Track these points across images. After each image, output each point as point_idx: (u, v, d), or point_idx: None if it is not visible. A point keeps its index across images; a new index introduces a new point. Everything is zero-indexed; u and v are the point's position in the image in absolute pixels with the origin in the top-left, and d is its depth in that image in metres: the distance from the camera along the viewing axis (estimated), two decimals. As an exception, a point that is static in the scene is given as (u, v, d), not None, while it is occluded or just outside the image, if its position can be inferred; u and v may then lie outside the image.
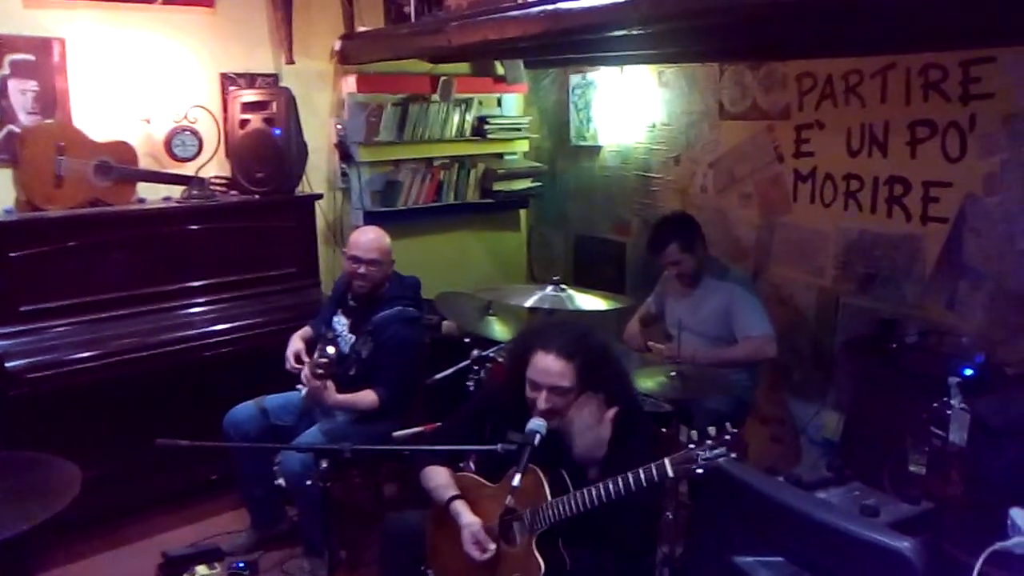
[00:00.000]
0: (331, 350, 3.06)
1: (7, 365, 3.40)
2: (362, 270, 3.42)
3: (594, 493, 2.21)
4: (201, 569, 3.37)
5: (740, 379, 3.52)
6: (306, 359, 3.39)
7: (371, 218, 4.69)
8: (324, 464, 2.32)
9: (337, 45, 4.49)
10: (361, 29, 4.45)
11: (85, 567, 3.52)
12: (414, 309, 3.50)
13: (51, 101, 3.77)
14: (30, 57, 3.70)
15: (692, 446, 2.11)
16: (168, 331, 3.84)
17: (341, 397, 3.26)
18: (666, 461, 2.13)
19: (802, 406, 4.04)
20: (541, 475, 2.33)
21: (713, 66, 4.26)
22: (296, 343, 3.56)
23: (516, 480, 2.20)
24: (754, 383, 3.71)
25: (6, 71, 3.65)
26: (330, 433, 3.27)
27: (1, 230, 3.54)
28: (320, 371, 3.08)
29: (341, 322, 3.56)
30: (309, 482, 2.43)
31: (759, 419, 4.16)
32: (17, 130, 3.68)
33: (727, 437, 2.08)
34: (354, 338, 3.47)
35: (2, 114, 3.66)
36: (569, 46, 3.71)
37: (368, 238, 3.47)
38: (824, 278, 3.88)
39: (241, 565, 3.41)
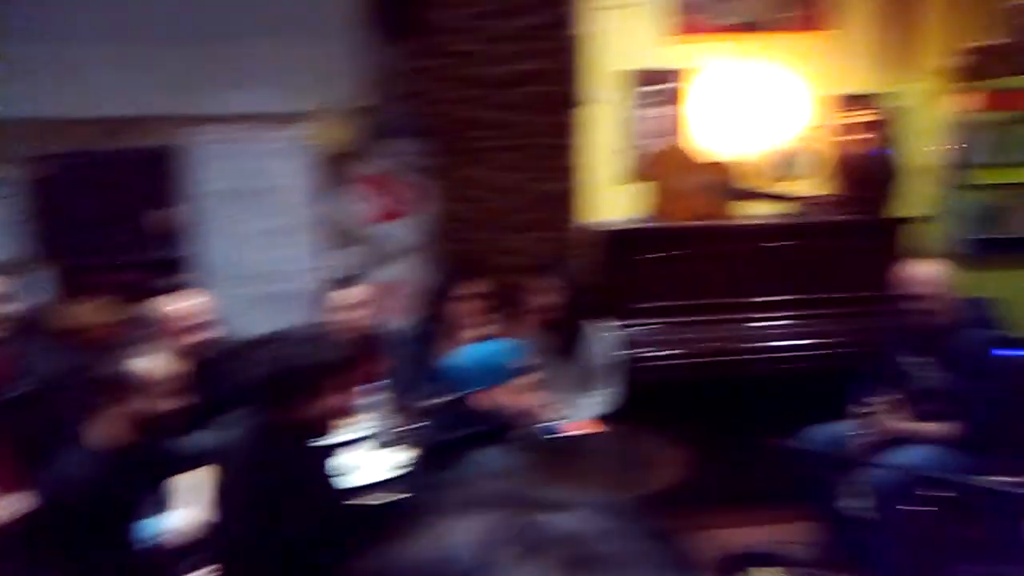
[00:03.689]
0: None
1: (618, 353, 3.92)
2: (914, 305, 3.33)
3: None
4: (757, 572, 3.48)
5: None
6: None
7: (972, 245, 4.36)
8: (925, 493, 2.26)
9: (956, 61, 4.27)
10: (983, 43, 4.17)
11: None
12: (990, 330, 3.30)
13: (680, 125, 4.28)
14: (668, 86, 4.25)
15: None
16: (750, 340, 4.07)
17: (914, 427, 3.17)
18: None
19: None
20: None
21: None
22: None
23: None
24: None
25: (648, 99, 4.24)
26: (916, 457, 3.16)
27: (630, 235, 4.12)
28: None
29: (912, 360, 3.41)
30: (904, 506, 2.38)
31: None
32: (652, 150, 4.25)
33: None
34: (934, 373, 3.31)
35: (641, 136, 4.26)
36: None
37: (912, 272, 3.40)
38: None
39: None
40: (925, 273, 3.40)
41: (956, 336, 3.29)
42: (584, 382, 3.66)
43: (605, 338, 3.69)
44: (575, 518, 0.51)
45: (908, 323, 3.48)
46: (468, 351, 3.02)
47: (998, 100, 4.35)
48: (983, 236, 4.46)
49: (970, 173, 4.41)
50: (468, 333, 3.44)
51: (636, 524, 0.53)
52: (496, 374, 2.81)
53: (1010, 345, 3.53)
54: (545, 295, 3.63)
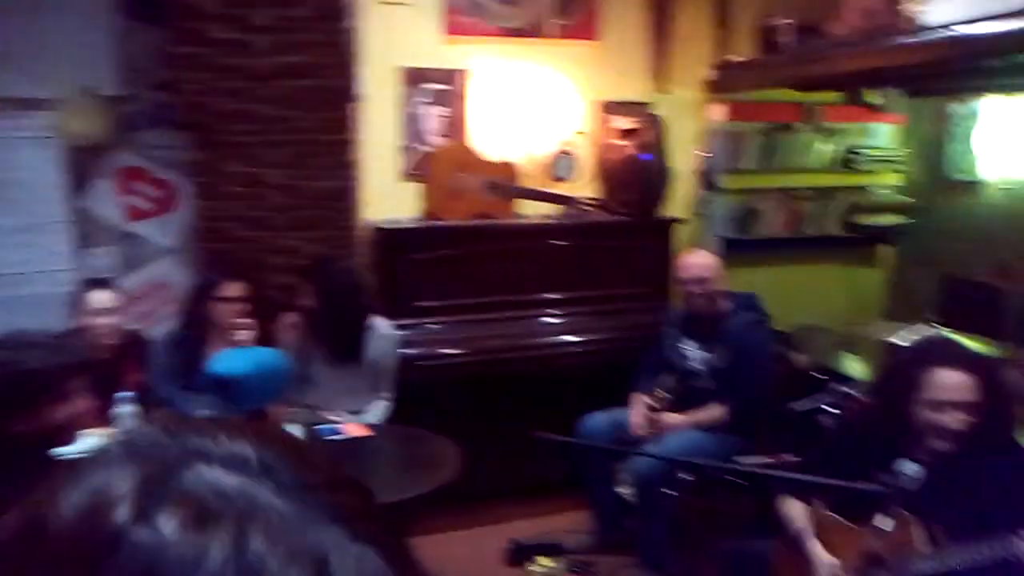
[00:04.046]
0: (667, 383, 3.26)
1: (398, 352, 3.90)
2: (692, 288, 3.57)
3: (978, 551, 2.06)
4: (544, 560, 3.60)
5: None
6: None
7: (728, 245, 4.73)
8: (685, 476, 2.41)
9: (710, 74, 4.60)
10: (733, 59, 4.53)
11: (438, 541, 3.77)
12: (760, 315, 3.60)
13: (455, 125, 4.29)
14: (442, 87, 4.25)
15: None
16: (530, 336, 4.18)
17: (685, 419, 3.40)
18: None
19: None
20: (915, 522, 2.21)
21: None
22: (643, 411, 3.58)
23: (885, 524, 2.12)
24: None
25: (423, 98, 4.22)
26: (684, 443, 3.36)
27: (405, 234, 4.11)
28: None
29: (690, 346, 3.66)
30: (664, 491, 2.53)
31: None
32: (427, 150, 4.25)
33: None
34: (708, 355, 3.57)
35: (417, 136, 4.24)
36: (962, 73, 3.49)
37: (692, 259, 3.68)
38: None
39: (579, 565, 3.58)
40: (698, 261, 3.66)
41: (726, 322, 3.54)
42: (365, 383, 3.59)
43: (386, 338, 3.64)
44: (211, 470, 0.50)
45: (682, 311, 3.72)
46: (230, 356, 2.86)
47: (746, 111, 4.74)
48: (738, 236, 4.85)
49: (725, 178, 4.77)
50: (231, 337, 3.28)
51: (281, 478, 0.51)
52: (260, 379, 2.68)
53: (774, 335, 3.82)
54: (315, 296, 3.51)
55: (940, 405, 2.22)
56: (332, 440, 3.21)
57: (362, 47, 3.96)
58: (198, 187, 3.79)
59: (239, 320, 3.31)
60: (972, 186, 4.70)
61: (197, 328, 3.35)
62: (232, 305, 3.34)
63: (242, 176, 3.69)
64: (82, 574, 0.46)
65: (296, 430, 2.97)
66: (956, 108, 4.71)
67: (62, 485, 0.49)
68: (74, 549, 0.46)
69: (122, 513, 0.47)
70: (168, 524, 0.46)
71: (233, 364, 2.78)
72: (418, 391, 3.78)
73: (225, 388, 2.68)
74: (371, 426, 3.39)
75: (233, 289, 3.36)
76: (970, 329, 3.87)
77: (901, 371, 2.40)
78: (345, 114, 3.81)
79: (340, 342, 3.49)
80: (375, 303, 3.81)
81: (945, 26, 2.77)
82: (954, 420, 2.20)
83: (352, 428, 3.33)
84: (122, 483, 0.48)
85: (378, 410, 3.58)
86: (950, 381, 2.22)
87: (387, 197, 4.22)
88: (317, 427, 3.27)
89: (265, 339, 3.39)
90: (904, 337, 3.16)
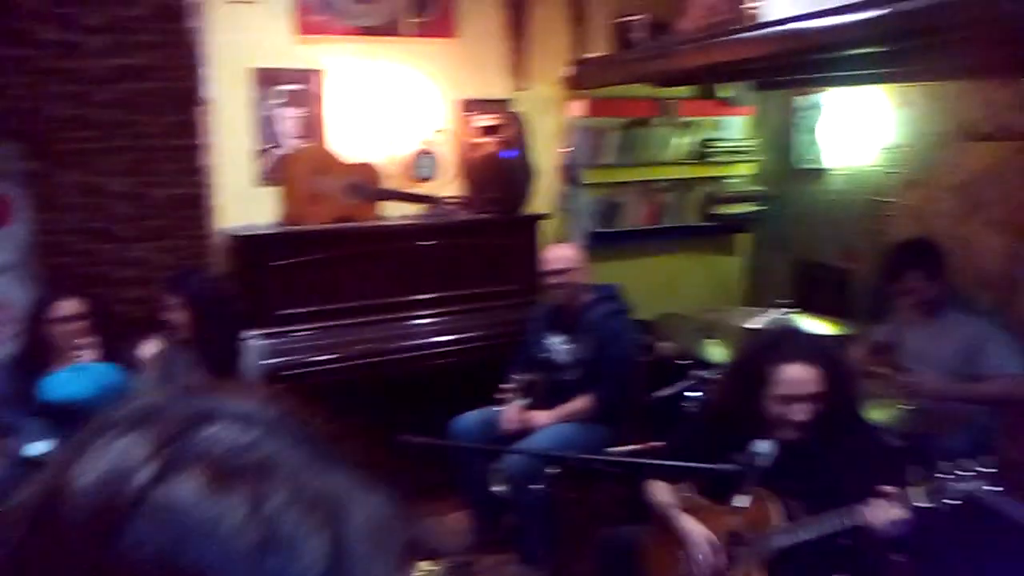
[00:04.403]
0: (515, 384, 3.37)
1: (263, 364, 3.77)
2: (554, 280, 3.62)
3: (829, 521, 2.16)
4: (423, 564, 3.56)
5: (979, 418, 3.28)
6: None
7: (592, 238, 4.80)
8: (554, 470, 2.42)
9: (568, 70, 4.66)
10: (590, 55, 4.59)
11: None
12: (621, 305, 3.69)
13: (311, 127, 4.18)
14: (296, 87, 4.13)
15: (944, 475, 2.02)
16: (400, 339, 4.12)
17: (552, 415, 3.43)
18: (914, 490, 2.05)
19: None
20: (771, 499, 2.29)
21: (958, 83, 4.02)
22: (513, 408, 3.61)
23: (742, 502, 2.19)
24: (994, 424, 3.44)
25: (276, 100, 4.09)
26: (553, 438, 3.38)
27: (264, 241, 3.98)
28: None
29: (555, 340, 3.70)
30: (535, 486, 2.54)
31: (1002, 464, 3.84)
32: (283, 153, 4.12)
33: (983, 470, 1.97)
34: (572, 347, 3.61)
35: (271, 138, 4.11)
36: (802, 67, 3.65)
37: (555, 251, 3.74)
38: (1085, 313, 3.54)
39: (460, 566, 3.57)
40: (560, 254, 3.70)
41: (589, 313, 3.58)
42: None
43: (251, 349, 3.49)
44: (223, 429, 0.52)
45: (547, 306, 3.74)
46: (70, 378, 2.69)
47: (605, 107, 4.82)
48: (602, 230, 4.93)
49: (587, 173, 4.85)
50: (73, 355, 3.07)
51: (291, 431, 0.55)
52: (104, 401, 2.52)
53: (638, 325, 3.90)
54: (182, 309, 3.32)
55: (787, 399, 2.32)
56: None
57: (209, 48, 3.81)
58: (33, 199, 3.55)
59: (78, 339, 3.10)
60: (818, 174, 4.94)
61: (36, 350, 3.12)
62: (69, 324, 3.11)
63: (81, 186, 3.48)
64: (105, 538, 0.47)
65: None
66: (801, 100, 4.95)
67: (75, 456, 0.51)
68: (96, 515, 0.48)
69: (142, 476, 0.48)
70: (188, 484, 0.48)
71: (72, 387, 2.60)
72: (287, 401, 3.67)
73: (65, 413, 2.51)
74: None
75: (68, 307, 3.13)
76: (822, 311, 4.06)
77: (749, 365, 2.49)
78: (193, 118, 3.66)
79: (215, 356, 3.27)
80: (244, 313, 3.67)
81: (783, 21, 2.88)
82: (801, 412, 2.30)
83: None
84: (139, 448, 0.50)
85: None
86: (795, 376, 2.32)
87: (243, 203, 4.07)
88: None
89: (115, 356, 3.19)
90: (757, 322, 3.27)
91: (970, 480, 1.97)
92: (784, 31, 2.85)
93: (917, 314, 3.53)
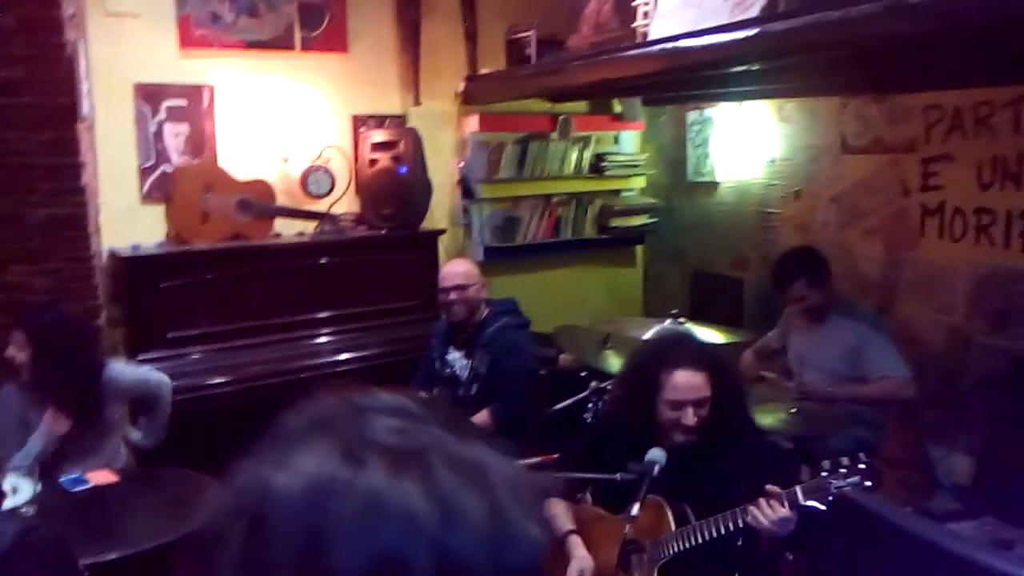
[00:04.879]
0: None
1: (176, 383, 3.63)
2: (452, 296, 3.60)
3: (719, 524, 2.21)
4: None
5: (866, 419, 3.44)
6: None
7: (490, 253, 4.83)
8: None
9: (461, 86, 4.67)
10: (484, 71, 4.63)
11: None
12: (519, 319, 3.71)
13: (200, 143, 4.07)
14: (183, 103, 4.02)
15: (825, 474, 2.09)
16: (298, 359, 4.05)
17: None
18: (798, 489, 2.12)
19: (931, 448, 3.89)
20: (664, 505, 2.33)
21: (835, 100, 4.21)
22: None
23: (635, 510, 2.21)
24: (880, 423, 3.61)
25: (162, 116, 3.97)
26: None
27: (153, 262, 3.86)
28: None
29: (455, 356, 3.70)
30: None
31: (886, 461, 4.01)
32: (170, 170, 4.00)
33: (861, 466, 2.05)
34: (470, 362, 3.61)
35: (158, 156, 3.98)
36: (688, 83, 3.75)
37: (452, 267, 3.73)
38: (953, 315, 3.74)
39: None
40: (456, 269, 3.69)
41: (486, 328, 3.59)
42: (108, 439, 3.25)
43: (128, 381, 3.32)
44: (389, 420, 0.59)
45: (446, 321, 3.73)
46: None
47: (500, 122, 4.86)
48: (500, 244, 4.96)
49: (484, 187, 4.87)
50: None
51: (436, 416, 0.62)
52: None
53: (538, 338, 3.93)
54: (25, 346, 3.01)
55: (678, 404, 2.38)
56: (77, 492, 2.92)
57: (90, 62, 3.68)
58: None
59: None
60: (710, 187, 5.09)
61: None
62: None
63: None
64: (320, 536, 0.54)
65: (26, 485, 2.67)
66: (693, 115, 5.09)
67: (268, 466, 0.59)
68: (306, 513, 0.55)
69: (340, 475, 0.55)
70: (376, 471, 0.55)
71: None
72: (180, 427, 3.56)
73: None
74: (121, 471, 3.12)
75: None
76: (716, 319, 4.18)
77: (641, 372, 2.54)
78: (72, 134, 3.49)
79: (64, 400, 3.02)
80: (133, 336, 3.54)
81: (669, 39, 2.96)
82: (691, 416, 2.36)
83: (98, 476, 3.05)
84: (326, 450, 0.58)
85: (128, 453, 3.31)
86: (684, 381, 2.38)
87: (128, 222, 3.94)
88: (59, 480, 2.96)
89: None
90: (651, 332, 3.34)
91: (850, 477, 2.05)
92: (669, 49, 2.92)
93: (804, 320, 3.68)
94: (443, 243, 4.66)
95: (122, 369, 3.30)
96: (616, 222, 5.29)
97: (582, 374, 3.83)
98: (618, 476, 2.28)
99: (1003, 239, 3.50)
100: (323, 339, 4.20)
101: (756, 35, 2.49)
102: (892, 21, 2.06)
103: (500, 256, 4.88)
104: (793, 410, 3.10)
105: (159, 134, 3.98)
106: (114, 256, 3.87)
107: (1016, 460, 3.09)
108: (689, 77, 3.37)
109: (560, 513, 2.55)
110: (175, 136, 4.01)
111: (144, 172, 3.98)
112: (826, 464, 2.10)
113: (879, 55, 2.58)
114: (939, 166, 3.75)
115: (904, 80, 3.54)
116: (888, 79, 3.55)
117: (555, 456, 3.12)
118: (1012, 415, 3.24)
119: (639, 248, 5.68)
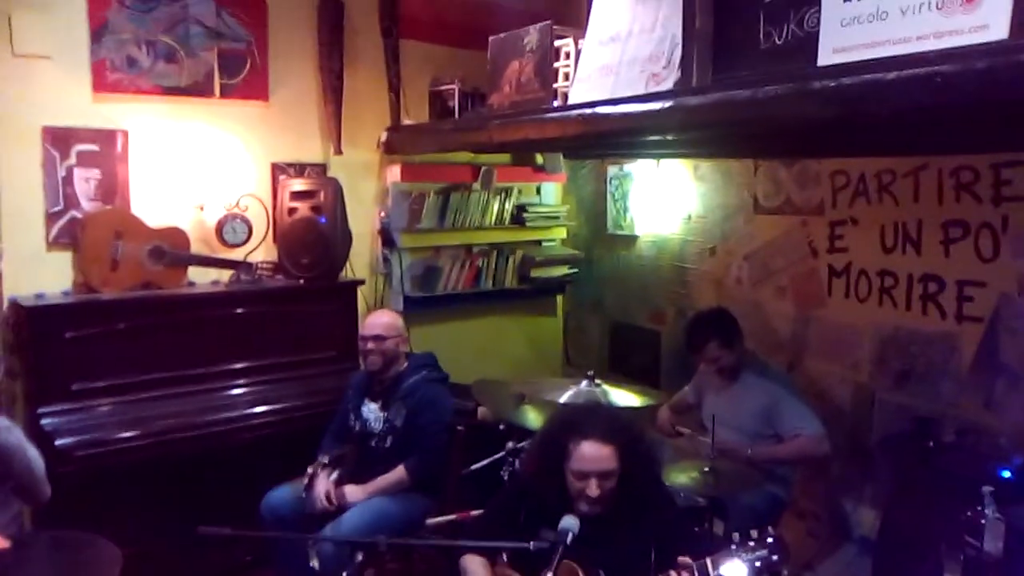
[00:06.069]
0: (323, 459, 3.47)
1: (57, 443, 3.49)
2: (371, 346, 3.61)
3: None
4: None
5: (778, 475, 3.51)
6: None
7: (410, 303, 4.81)
8: (360, 557, 2.36)
9: (384, 136, 4.67)
10: (407, 122, 4.64)
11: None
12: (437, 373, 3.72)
13: (112, 189, 3.96)
14: (95, 147, 3.91)
15: (734, 547, 2.13)
16: (212, 412, 3.93)
17: (366, 490, 3.38)
18: (708, 561, 2.15)
19: (839, 501, 3.99)
20: (579, 572, 2.34)
21: (748, 162, 4.35)
22: (323, 484, 3.50)
23: (548, 576, 2.21)
24: (791, 479, 3.69)
25: (72, 160, 3.86)
26: (367, 514, 3.31)
27: (58, 311, 3.72)
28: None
29: (370, 408, 3.67)
30: (345, 574, 2.47)
31: (795, 514, 4.11)
32: (79, 216, 3.88)
33: (770, 540, 2.09)
34: (386, 415, 3.58)
35: (66, 200, 3.86)
36: (606, 144, 3.84)
37: (374, 318, 3.75)
38: (860, 373, 3.87)
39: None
40: (376, 320, 3.70)
41: (404, 381, 3.57)
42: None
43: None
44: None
45: (363, 373, 3.69)
46: None
47: (422, 172, 4.87)
48: (420, 294, 4.94)
49: (405, 237, 4.86)
50: None
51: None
52: None
53: (456, 391, 3.91)
54: None
55: (583, 475, 2.42)
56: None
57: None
58: None
59: None
60: (629, 240, 5.18)
61: None
62: None
63: None
64: None
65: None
66: (612, 170, 5.20)
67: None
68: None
69: None
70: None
71: None
72: (80, 486, 3.41)
73: None
74: (11, 536, 2.96)
75: None
76: (633, 373, 4.24)
77: (552, 439, 2.58)
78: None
79: None
80: (33, 389, 3.37)
81: (586, 105, 3.02)
82: (594, 488, 2.40)
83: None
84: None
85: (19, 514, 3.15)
86: (591, 453, 2.43)
87: (33, 269, 3.80)
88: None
89: None
90: (565, 395, 3.34)
91: (758, 551, 2.09)
92: (588, 115, 2.98)
93: (718, 379, 3.75)
94: (363, 292, 4.62)
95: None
96: (537, 273, 5.33)
97: (500, 427, 3.82)
98: (531, 545, 2.28)
99: (904, 301, 3.65)
100: (238, 391, 4.10)
101: (670, 108, 2.57)
102: (799, 104, 2.15)
103: (420, 306, 4.86)
104: (707, 468, 3.15)
105: (68, 179, 3.86)
106: (16, 305, 3.71)
107: (916, 517, 3.19)
108: (606, 140, 3.45)
109: (477, 571, 2.54)
110: (85, 181, 3.89)
111: (51, 217, 3.84)
112: (736, 536, 2.14)
113: (782, 129, 2.69)
114: (845, 229, 3.90)
115: (811, 147, 3.68)
116: (796, 147, 3.69)
117: (471, 513, 3.11)
118: (913, 473, 3.35)
119: (559, 298, 5.73)
